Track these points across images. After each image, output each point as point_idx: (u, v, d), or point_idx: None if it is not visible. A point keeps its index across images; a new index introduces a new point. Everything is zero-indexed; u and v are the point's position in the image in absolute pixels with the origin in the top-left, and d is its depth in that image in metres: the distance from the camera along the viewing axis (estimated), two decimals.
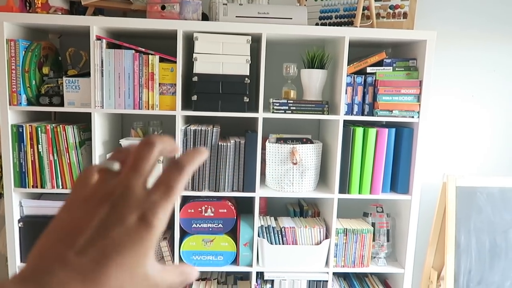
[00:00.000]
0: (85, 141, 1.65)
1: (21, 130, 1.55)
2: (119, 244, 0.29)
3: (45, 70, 1.59)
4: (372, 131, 1.63)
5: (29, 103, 1.58)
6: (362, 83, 1.62)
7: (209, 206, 1.65)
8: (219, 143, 1.61)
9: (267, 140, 1.69)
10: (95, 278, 0.28)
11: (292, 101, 1.61)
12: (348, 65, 1.60)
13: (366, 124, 1.74)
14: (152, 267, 0.31)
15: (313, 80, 1.66)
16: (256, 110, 1.62)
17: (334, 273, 1.76)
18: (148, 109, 1.57)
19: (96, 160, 1.59)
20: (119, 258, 0.29)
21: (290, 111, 1.61)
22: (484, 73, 2.00)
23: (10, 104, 1.53)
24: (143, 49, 1.56)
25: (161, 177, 0.33)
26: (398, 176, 1.68)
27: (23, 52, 1.53)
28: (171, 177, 0.33)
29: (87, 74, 1.57)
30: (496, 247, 1.81)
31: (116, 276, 0.29)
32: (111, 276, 0.29)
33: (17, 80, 1.52)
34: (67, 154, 1.58)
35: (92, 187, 0.33)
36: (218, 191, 1.63)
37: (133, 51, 1.55)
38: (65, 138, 1.57)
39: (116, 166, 0.34)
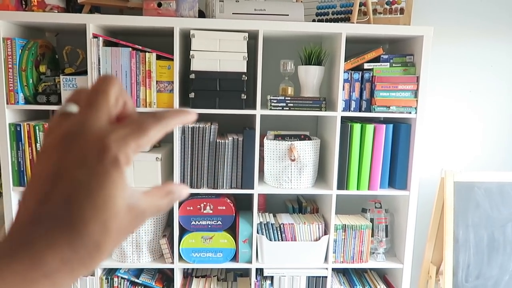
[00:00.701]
0: None
1: (19, 129, 1.55)
2: (85, 186, 0.27)
3: (42, 68, 1.59)
4: (369, 127, 1.64)
5: (27, 101, 1.58)
6: (360, 79, 1.62)
7: (208, 203, 1.65)
8: (217, 140, 1.61)
9: (265, 137, 1.70)
10: (71, 222, 0.27)
11: (289, 98, 1.61)
12: (345, 61, 1.60)
13: (364, 120, 1.75)
14: (133, 197, 0.30)
15: (310, 77, 1.66)
16: (253, 107, 1.62)
17: (333, 269, 1.77)
18: (146, 106, 1.57)
19: None
20: (88, 198, 0.27)
21: (287, 108, 1.61)
22: (481, 69, 2.00)
23: (7, 103, 1.52)
24: (140, 47, 1.56)
25: (134, 117, 0.31)
26: (396, 172, 1.69)
27: (20, 50, 1.52)
28: (146, 120, 0.30)
29: (84, 72, 1.57)
30: (494, 241, 1.82)
31: (94, 217, 0.27)
32: (87, 217, 0.27)
33: (14, 78, 1.52)
34: None
35: (53, 134, 0.30)
36: (217, 188, 1.63)
37: (130, 49, 1.55)
38: None
39: (74, 108, 0.31)
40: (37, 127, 1.56)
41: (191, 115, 0.34)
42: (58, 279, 0.26)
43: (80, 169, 0.28)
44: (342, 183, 1.67)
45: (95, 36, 1.52)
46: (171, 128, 0.32)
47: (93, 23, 1.50)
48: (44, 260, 0.26)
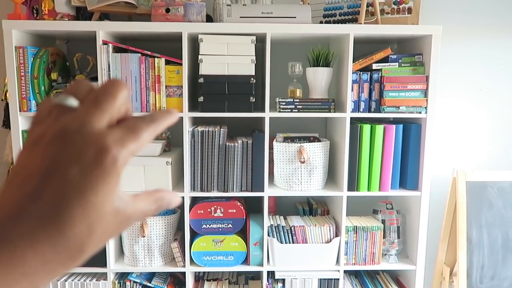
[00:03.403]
0: None
1: None
2: (77, 184, 0.27)
3: (54, 75, 1.61)
4: (379, 128, 1.63)
5: None
6: (368, 80, 1.62)
7: (219, 207, 1.65)
8: (227, 144, 1.62)
9: (275, 140, 1.70)
10: (58, 222, 0.26)
11: (298, 100, 1.61)
12: (353, 62, 1.60)
13: (373, 121, 1.74)
14: (121, 200, 0.29)
15: (319, 78, 1.66)
16: (262, 109, 1.63)
17: (345, 271, 1.76)
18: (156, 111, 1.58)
19: None
20: (80, 199, 0.26)
21: (296, 110, 1.61)
22: (491, 68, 1.98)
23: (20, 111, 1.55)
24: (149, 52, 1.57)
25: (128, 120, 0.30)
26: (407, 172, 1.67)
27: (32, 58, 1.55)
28: (140, 122, 0.30)
29: (95, 79, 1.59)
30: (508, 241, 1.79)
31: (82, 218, 0.27)
32: (76, 218, 0.26)
33: (26, 86, 1.54)
34: None
35: (46, 124, 0.29)
36: (227, 192, 1.64)
37: (139, 54, 1.56)
38: None
39: (74, 102, 0.30)
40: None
41: (176, 114, 0.34)
42: (36, 279, 0.26)
43: (75, 168, 0.27)
44: (353, 185, 1.66)
45: (105, 43, 1.54)
46: (160, 130, 0.32)
47: (102, 30, 1.52)
48: (24, 260, 0.25)
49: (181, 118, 1.59)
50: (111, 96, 0.30)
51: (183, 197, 1.63)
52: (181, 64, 1.56)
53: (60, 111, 0.29)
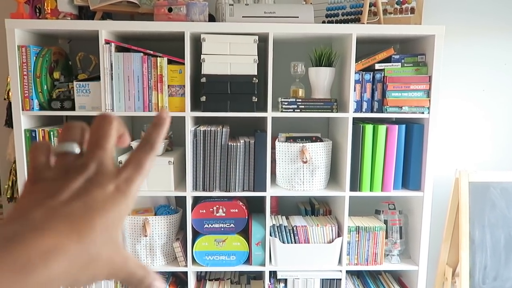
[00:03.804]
0: None
1: (34, 135, 1.58)
2: (101, 202, 0.30)
3: (56, 75, 1.61)
4: (382, 128, 1.62)
5: (41, 108, 1.60)
6: (371, 80, 1.61)
7: (221, 206, 1.65)
8: (229, 143, 1.61)
9: (277, 139, 1.70)
10: (83, 225, 0.29)
11: (300, 100, 1.61)
12: (356, 62, 1.60)
13: (376, 121, 1.73)
14: (121, 242, 0.32)
15: (321, 78, 1.66)
16: (264, 109, 1.62)
17: (347, 271, 1.76)
18: (158, 111, 1.58)
19: None
20: (102, 214, 0.30)
21: (298, 110, 1.61)
22: (494, 68, 1.98)
23: (22, 109, 1.55)
24: (151, 52, 1.57)
25: (131, 155, 0.34)
26: (410, 173, 1.67)
27: (34, 57, 1.55)
28: (141, 156, 0.34)
29: (97, 78, 1.59)
30: (511, 242, 1.79)
31: (101, 230, 0.30)
32: (97, 228, 0.29)
33: (29, 85, 1.54)
34: None
35: (58, 166, 0.33)
36: (229, 191, 1.63)
37: (142, 54, 1.56)
38: None
39: (77, 149, 0.34)
40: (52, 133, 1.58)
41: (167, 118, 0.37)
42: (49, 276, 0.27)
43: (99, 192, 0.31)
44: (355, 185, 1.66)
45: (107, 42, 1.54)
46: (159, 148, 0.36)
47: (105, 29, 1.52)
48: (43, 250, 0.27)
49: (183, 118, 1.59)
50: (108, 137, 0.34)
51: (185, 197, 1.63)
52: (183, 64, 1.56)
53: (67, 157, 0.34)
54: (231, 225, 1.66)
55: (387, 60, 1.63)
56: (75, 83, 1.57)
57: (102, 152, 0.33)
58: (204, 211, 1.65)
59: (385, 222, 1.75)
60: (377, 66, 1.62)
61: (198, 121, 1.80)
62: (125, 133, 0.37)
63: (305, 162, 1.64)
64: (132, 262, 0.33)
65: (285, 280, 1.72)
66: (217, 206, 1.65)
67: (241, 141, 1.62)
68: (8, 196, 1.72)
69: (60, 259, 0.27)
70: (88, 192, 0.30)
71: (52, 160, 0.34)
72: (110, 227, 0.30)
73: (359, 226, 1.70)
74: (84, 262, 0.28)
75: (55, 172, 0.33)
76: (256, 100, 1.59)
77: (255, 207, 1.86)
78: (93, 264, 0.29)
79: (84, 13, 1.68)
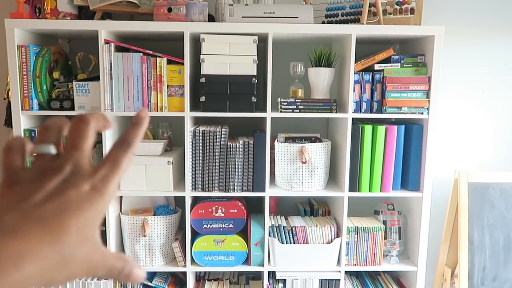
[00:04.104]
0: (96, 144, 1.66)
1: (33, 135, 1.58)
2: (75, 202, 0.30)
3: (56, 74, 1.61)
4: (381, 129, 1.62)
5: (41, 107, 1.60)
6: (370, 80, 1.61)
7: (220, 207, 1.65)
8: (228, 144, 1.61)
9: (276, 140, 1.70)
10: (57, 226, 0.29)
11: (300, 100, 1.61)
12: (355, 63, 1.60)
13: (375, 122, 1.73)
14: (99, 239, 0.33)
15: (321, 79, 1.66)
16: (264, 109, 1.62)
17: (346, 272, 1.76)
18: (157, 111, 1.58)
19: None
20: (77, 214, 0.30)
21: (298, 110, 1.61)
22: (494, 68, 1.98)
23: (22, 109, 1.55)
24: (150, 52, 1.57)
25: (108, 154, 0.34)
26: (409, 173, 1.67)
27: (34, 57, 1.55)
28: (117, 154, 0.34)
29: (97, 78, 1.59)
30: (510, 243, 1.79)
31: (76, 230, 0.30)
32: (72, 229, 0.29)
33: (28, 85, 1.55)
34: None
35: (34, 168, 0.33)
36: (228, 192, 1.63)
37: (141, 54, 1.56)
38: None
39: (53, 150, 0.35)
40: None
41: (146, 119, 0.37)
42: (26, 278, 0.27)
43: (74, 192, 0.31)
44: (354, 185, 1.66)
45: (107, 42, 1.54)
46: (137, 146, 0.36)
47: (104, 29, 1.52)
48: (19, 252, 0.27)
49: (183, 118, 1.59)
50: (85, 137, 0.34)
51: (184, 197, 1.63)
52: (183, 64, 1.56)
53: (44, 157, 0.34)
54: (230, 226, 1.66)
55: (387, 60, 1.63)
56: (74, 83, 1.57)
57: (78, 153, 0.33)
58: (203, 211, 1.65)
59: (384, 222, 1.75)
60: (376, 67, 1.62)
61: (197, 121, 1.80)
62: (107, 124, 0.37)
63: (304, 163, 1.64)
64: (110, 256, 0.33)
65: (284, 281, 1.72)
66: (216, 206, 1.65)
67: (240, 141, 1.62)
68: None
69: (31, 262, 0.27)
70: (63, 193, 0.30)
71: (27, 161, 0.34)
72: (86, 227, 0.31)
73: (358, 227, 1.70)
74: (58, 262, 0.29)
75: (31, 174, 0.33)
76: (255, 100, 1.59)
77: (254, 207, 1.86)
78: (69, 264, 0.29)
79: (83, 13, 1.68)
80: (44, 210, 0.29)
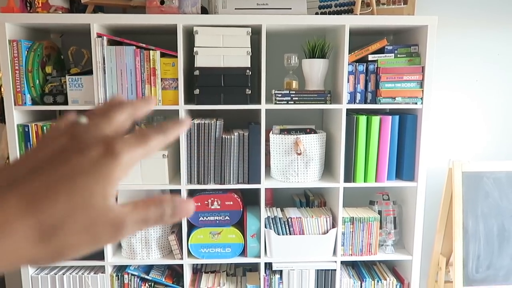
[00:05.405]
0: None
1: (27, 130, 1.57)
2: (77, 169, 0.27)
3: (48, 69, 1.60)
4: (375, 119, 1.63)
5: (34, 102, 1.59)
6: (364, 71, 1.62)
7: (216, 199, 1.66)
8: (223, 136, 1.61)
9: (271, 132, 1.70)
10: (40, 201, 0.26)
11: (294, 92, 1.61)
12: (349, 54, 1.60)
13: (370, 112, 1.74)
14: (116, 204, 0.29)
15: (315, 70, 1.66)
16: (258, 102, 1.62)
17: (342, 262, 1.77)
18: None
19: None
20: (70, 182, 0.27)
21: (292, 102, 1.61)
22: (487, 58, 1.98)
23: (15, 104, 1.54)
24: (144, 45, 1.57)
25: (138, 129, 0.32)
26: (403, 163, 1.68)
27: (26, 52, 1.54)
28: (149, 130, 0.32)
29: (90, 72, 1.58)
30: (504, 231, 1.80)
31: (65, 200, 0.27)
32: (58, 199, 0.27)
33: (21, 80, 1.54)
34: None
35: (59, 131, 0.31)
36: (224, 184, 1.64)
37: (134, 47, 1.55)
38: None
39: (84, 120, 0.32)
40: (45, 128, 1.57)
41: (187, 124, 0.35)
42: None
43: (80, 157, 0.28)
44: (349, 176, 1.66)
45: (99, 36, 1.53)
46: (171, 139, 0.33)
47: (97, 22, 1.51)
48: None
49: (177, 111, 1.59)
50: (118, 108, 0.32)
51: (180, 190, 1.64)
52: (176, 57, 1.56)
53: (73, 125, 0.31)
54: (226, 218, 1.67)
55: (380, 51, 1.63)
56: (67, 77, 1.57)
57: (103, 118, 0.31)
58: (199, 204, 1.65)
59: (379, 212, 1.76)
60: (370, 57, 1.62)
61: (192, 114, 1.80)
62: (148, 105, 0.35)
63: (299, 154, 1.64)
64: (134, 219, 0.30)
65: (281, 272, 1.73)
66: (212, 198, 1.66)
67: (235, 134, 1.62)
68: None
69: (7, 235, 0.25)
70: (63, 158, 0.28)
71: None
72: (84, 193, 0.27)
73: (353, 217, 1.71)
74: (37, 237, 0.26)
75: (56, 133, 0.30)
76: (249, 92, 1.59)
77: (250, 199, 1.86)
78: (56, 237, 0.27)
79: (75, 6, 1.66)
80: (32, 184, 0.27)
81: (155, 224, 0.31)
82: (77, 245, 0.28)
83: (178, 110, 1.58)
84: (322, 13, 1.74)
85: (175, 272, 1.83)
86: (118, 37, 1.61)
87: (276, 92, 1.61)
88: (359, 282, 1.77)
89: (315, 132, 1.71)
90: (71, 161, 0.28)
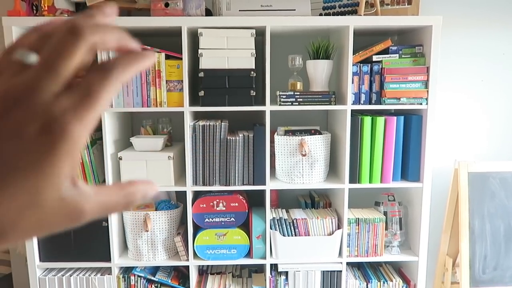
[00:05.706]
0: (96, 140, 1.67)
1: None
2: (10, 162, 0.23)
3: None
4: (380, 120, 1.63)
5: None
6: (369, 71, 1.61)
7: (221, 201, 1.66)
8: (228, 138, 1.62)
9: (276, 133, 1.70)
10: None
11: (299, 93, 1.61)
12: (353, 54, 1.60)
13: (374, 113, 1.74)
14: (75, 190, 0.25)
15: (319, 71, 1.66)
16: (263, 103, 1.63)
17: (347, 263, 1.77)
18: (157, 106, 1.59)
19: (108, 160, 1.61)
20: (10, 178, 0.23)
21: (297, 103, 1.61)
22: (492, 58, 1.97)
23: None
24: (148, 47, 1.57)
25: (81, 80, 0.25)
26: (409, 164, 1.67)
27: None
28: (93, 80, 0.25)
29: None
30: (511, 231, 1.79)
31: (9, 200, 0.23)
32: (1, 207, 0.23)
33: None
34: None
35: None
36: (229, 185, 1.64)
37: None
38: None
39: (33, 58, 0.25)
40: None
41: (150, 57, 0.27)
42: None
43: (12, 144, 0.23)
44: (354, 177, 1.66)
45: None
46: (126, 80, 0.26)
47: None
48: None
49: (182, 113, 1.60)
50: (66, 54, 0.24)
51: (185, 191, 1.64)
52: (181, 59, 1.56)
53: (16, 69, 0.25)
54: (231, 219, 1.67)
55: (385, 51, 1.63)
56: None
57: (44, 72, 0.24)
58: (205, 205, 1.66)
59: (385, 213, 1.76)
60: (374, 58, 1.62)
61: (197, 116, 1.81)
62: (124, 42, 0.27)
63: (304, 155, 1.64)
64: (96, 204, 0.26)
65: (286, 273, 1.73)
66: (217, 200, 1.66)
67: (240, 135, 1.63)
68: None
69: None
70: None
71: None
72: (30, 190, 0.23)
73: (359, 218, 1.71)
74: None
75: None
76: (254, 94, 1.59)
77: (255, 200, 1.86)
78: (5, 239, 0.23)
79: (81, 9, 1.68)
80: None
81: (117, 210, 0.28)
82: (29, 237, 0.25)
83: (183, 112, 1.59)
84: (326, 14, 1.74)
85: (181, 274, 1.84)
86: None
87: (281, 93, 1.61)
88: (365, 283, 1.77)
89: (320, 133, 1.71)
90: (5, 148, 0.23)
